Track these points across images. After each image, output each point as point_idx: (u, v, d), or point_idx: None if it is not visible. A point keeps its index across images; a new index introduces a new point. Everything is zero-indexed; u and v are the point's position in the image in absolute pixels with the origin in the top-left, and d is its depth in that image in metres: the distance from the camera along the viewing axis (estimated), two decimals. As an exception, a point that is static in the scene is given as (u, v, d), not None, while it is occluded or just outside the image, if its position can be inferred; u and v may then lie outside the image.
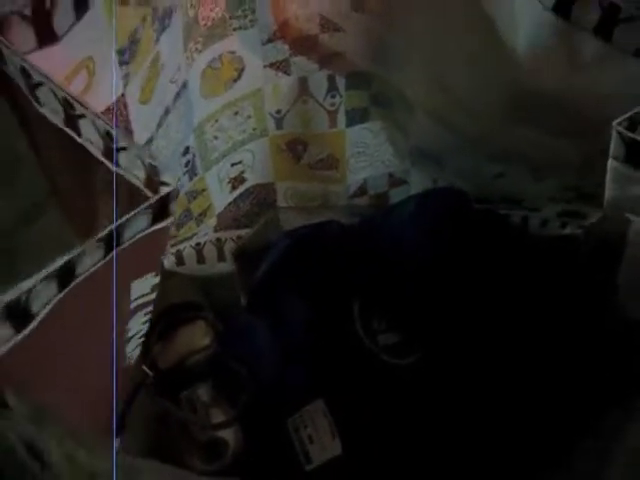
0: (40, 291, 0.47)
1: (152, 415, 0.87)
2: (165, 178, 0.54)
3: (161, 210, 0.53)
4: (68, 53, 0.61)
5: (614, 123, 0.57)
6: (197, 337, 0.91)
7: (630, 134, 0.56)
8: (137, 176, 0.54)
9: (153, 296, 0.64)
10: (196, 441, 0.86)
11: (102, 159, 0.55)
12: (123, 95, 0.67)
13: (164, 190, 0.53)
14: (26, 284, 0.47)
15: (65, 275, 0.49)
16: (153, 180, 0.54)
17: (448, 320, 0.84)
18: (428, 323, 0.84)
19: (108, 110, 0.67)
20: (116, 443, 0.77)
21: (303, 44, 0.80)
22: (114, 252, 0.51)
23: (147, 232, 0.53)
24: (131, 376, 0.81)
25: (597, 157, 0.73)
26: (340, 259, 0.86)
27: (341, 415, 0.81)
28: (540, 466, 0.76)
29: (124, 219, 0.51)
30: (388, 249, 0.87)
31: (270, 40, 0.81)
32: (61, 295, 0.49)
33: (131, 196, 0.55)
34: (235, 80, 0.82)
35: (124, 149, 0.55)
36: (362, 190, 0.95)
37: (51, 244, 1.00)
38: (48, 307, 0.48)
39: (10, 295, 0.46)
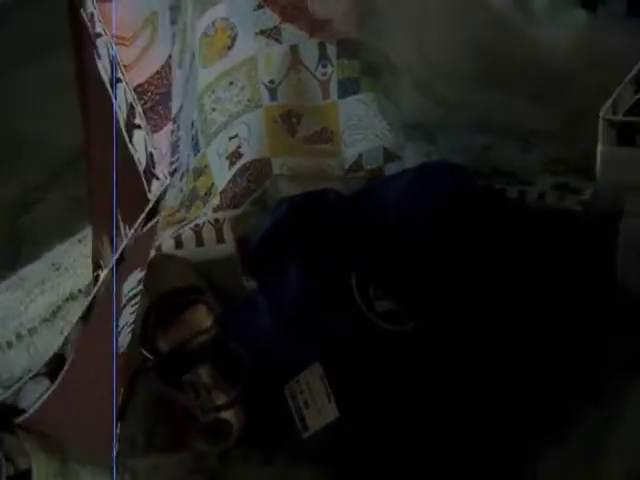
0: (71, 336, 0.48)
1: (154, 398, 0.87)
2: (158, 171, 0.53)
3: (151, 210, 0.52)
4: (140, 5, 0.61)
5: (601, 113, 0.57)
6: (199, 320, 0.91)
7: (618, 118, 0.57)
8: (140, 160, 0.54)
9: (140, 288, 0.64)
10: (200, 423, 0.85)
11: (123, 132, 0.54)
12: (170, 56, 0.66)
13: (156, 188, 0.52)
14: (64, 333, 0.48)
15: (86, 314, 0.50)
16: (150, 170, 0.53)
17: (446, 289, 0.83)
18: (425, 291, 0.83)
19: (159, 72, 0.66)
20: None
21: (292, 10, 0.80)
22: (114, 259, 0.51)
23: (137, 236, 0.53)
24: (128, 362, 0.81)
25: (575, 120, 0.72)
26: (337, 227, 0.85)
27: (338, 379, 0.80)
28: (539, 432, 0.75)
29: (128, 238, 0.51)
30: (385, 219, 0.86)
31: (260, 6, 0.80)
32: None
33: (133, 182, 0.55)
34: (229, 48, 0.81)
35: (139, 127, 0.54)
36: (358, 165, 0.94)
37: (51, 228, 1.01)
38: (74, 348, 0.49)
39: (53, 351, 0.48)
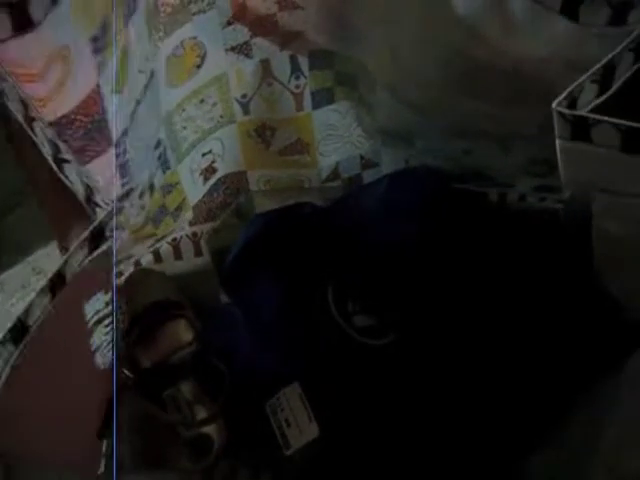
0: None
1: (136, 416, 0.86)
2: (98, 199, 0.53)
3: (98, 236, 0.53)
4: (44, 41, 0.59)
5: (554, 105, 0.56)
6: (179, 335, 0.90)
7: (572, 112, 0.55)
8: (78, 191, 0.54)
9: (108, 310, 0.64)
10: (182, 439, 0.85)
11: (53, 167, 0.54)
12: (98, 85, 0.65)
13: (99, 215, 0.53)
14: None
15: (18, 335, 0.49)
16: (90, 199, 0.53)
17: (425, 301, 0.82)
18: (403, 304, 0.82)
19: (84, 102, 0.65)
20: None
21: (262, 24, 0.78)
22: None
23: (86, 262, 0.53)
24: (108, 381, 0.80)
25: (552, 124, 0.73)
26: (313, 241, 0.84)
27: (318, 398, 0.79)
28: (531, 439, 0.75)
29: (64, 259, 0.51)
30: (362, 230, 0.85)
31: (229, 23, 0.78)
32: (16, 355, 0.49)
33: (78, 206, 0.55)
34: (198, 66, 0.80)
35: (67, 162, 0.54)
36: (335, 174, 0.93)
37: (29, 234, 1.00)
38: (7, 367, 0.48)
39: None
